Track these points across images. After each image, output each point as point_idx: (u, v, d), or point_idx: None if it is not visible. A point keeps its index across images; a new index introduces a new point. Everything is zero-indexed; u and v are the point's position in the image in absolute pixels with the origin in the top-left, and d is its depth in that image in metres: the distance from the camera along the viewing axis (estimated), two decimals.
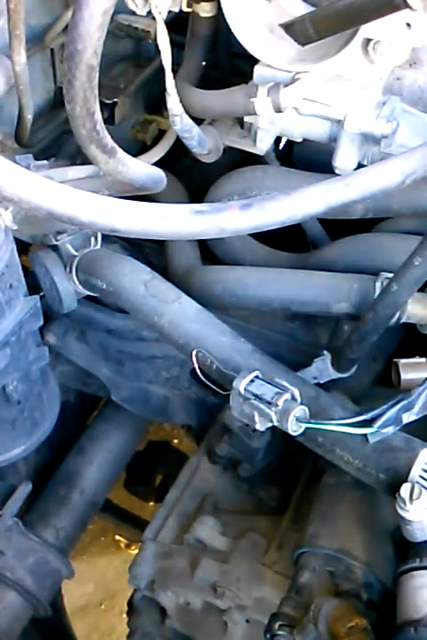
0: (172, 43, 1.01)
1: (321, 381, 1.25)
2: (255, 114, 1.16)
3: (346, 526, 1.18)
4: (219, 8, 1.18)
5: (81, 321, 1.54)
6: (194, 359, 1.15)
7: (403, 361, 1.13)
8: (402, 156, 0.92)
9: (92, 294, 1.34)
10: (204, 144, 1.25)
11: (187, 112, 1.15)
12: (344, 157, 1.19)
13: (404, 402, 1.02)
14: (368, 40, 1.06)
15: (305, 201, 0.91)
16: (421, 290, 1.13)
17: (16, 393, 1.25)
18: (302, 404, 1.01)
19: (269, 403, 1.01)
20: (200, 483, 1.53)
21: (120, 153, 0.98)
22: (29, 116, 1.20)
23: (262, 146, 1.24)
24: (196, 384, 1.59)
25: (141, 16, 1.05)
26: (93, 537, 2.99)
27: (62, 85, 0.86)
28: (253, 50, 1.15)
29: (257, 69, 1.18)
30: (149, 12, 1.01)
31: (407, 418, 1.02)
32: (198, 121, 1.23)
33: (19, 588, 1.58)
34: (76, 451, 1.82)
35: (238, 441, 1.42)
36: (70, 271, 1.30)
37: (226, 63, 1.54)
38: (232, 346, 1.17)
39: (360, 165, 1.19)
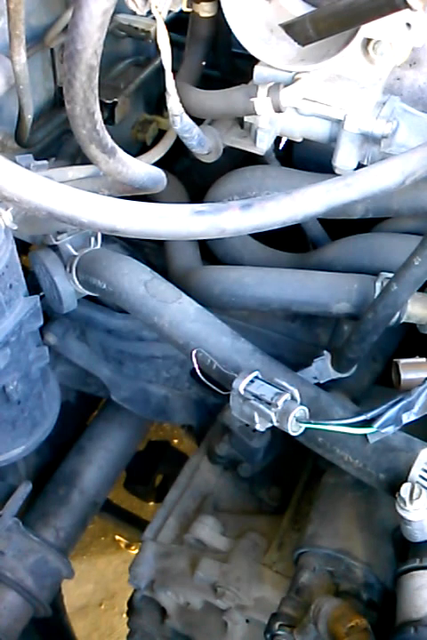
0: (172, 43, 1.00)
1: (321, 381, 1.25)
2: (255, 114, 1.16)
3: (346, 526, 1.19)
4: (219, 8, 1.18)
5: (81, 321, 1.54)
6: (194, 359, 1.15)
7: (403, 361, 1.13)
8: (402, 155, 0.92)
9: (92, 294, 1.34)
10: (204, 144, 1.25)
11: (187, 112, 1.15)
12: (344, 157, 1.19)
13: (404, 402, 1.02)
14: (368, 40, 1.06)
15: (305, 201, 0.91)
16: (421, 290, 1.13)
17: (16, 393, 1.25)
18: (301, 404, 1.01)
19: (269, 403, 1.01)
20: (200, 483, 1.53)
21: (120, 153, 0.98)
22: (29, 116, 1.20)
23: (262, 146, 1.24)
24: (196, 384, 1.59)
25: (141, 16, 1.04)
26: (93, 537, 2.99)
27: (62, 85, 0.86)
28: (253, 50, 1.15)
29: (257, 69, 1.18)
30: (149, 12, 1.01)
31: (407, 418, 1.02)
32: (198, 121, 1.23)
33: (19, 588, 1.58)
34: (76, 451, 1.82)
35: (238, 441, 1.42)
36: (70, 271, 1.30)
37: (226, 63, 1.54)
38: (232, 346, 1.17)
39: (360, 165, 1.19)
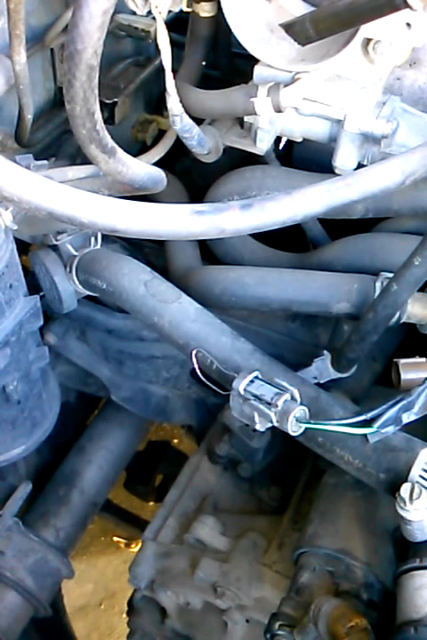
0: (172, 43, 1.00)
1: (321, 381, 1.25)
2: (255, 114, 1.16)
3: (346, 526, 1.19)
4: (219, 8, 1.18)
5: (81, 321, 1.54)
6: (194, 359, 1.15)
7: (403, 361, 1.13)
8: (402, 156, 0.92)
9: (92, 294, 1.34)
10: (204, 144, 1.25)
11: (187, 112, 1.15)
12: (344, 157, 1.19)
13: (404, 402, 1.02)
14: (368, 40, 1.06)
15: (305, 201, 0.91)
16: (421, 290, 1.13)
17: (16, 393, 1.25)
18: (301, 404, 1.01)
19: (269, 403, 1.01)
20: (200, 483, 1.53)
21: (120, 153, 0.98)
22: (29, 116, 1.20)
23: (262, 146, 1.24)
24: (196, 384, 1.59)
25: (141, 16, 1.04)
26: (93, 537, 2.99)
27: (62, 85, 0.86)
28: (253, 50, 1.15)
29: (257, 69, 1.18)
30: (149, 12, 1.01)
31: (407, 418, 1.02)
32: (198, 121, 1.23)
33: (19, 587, 1.58)
34: (76, 450, 1.82)
35: (238, 441, 1.42)
36: (70, 271, 1.30)
37: (226, 63, 1.54)
38: (232, 346, 1.17)
39: (360, 165, 1.19)
